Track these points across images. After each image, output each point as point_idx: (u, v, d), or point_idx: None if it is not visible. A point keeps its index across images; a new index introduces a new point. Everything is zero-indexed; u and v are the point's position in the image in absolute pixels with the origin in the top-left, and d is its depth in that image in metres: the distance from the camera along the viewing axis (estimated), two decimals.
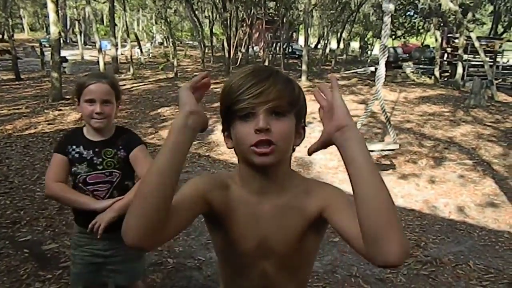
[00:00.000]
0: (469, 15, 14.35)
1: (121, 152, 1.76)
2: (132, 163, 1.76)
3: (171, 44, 18.11)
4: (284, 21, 19.75)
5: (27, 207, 3.94)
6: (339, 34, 23.25)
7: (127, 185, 1.79)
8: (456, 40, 15.52)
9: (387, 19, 4.71)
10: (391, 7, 4.66)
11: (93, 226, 1.65)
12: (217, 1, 18.74)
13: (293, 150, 0.95)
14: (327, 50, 22.73)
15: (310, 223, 0.94)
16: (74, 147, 1.74)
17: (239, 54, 19.78)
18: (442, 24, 17.70)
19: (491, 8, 24.81)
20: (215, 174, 0.98)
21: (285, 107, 0.88)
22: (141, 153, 1.78)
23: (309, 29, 17.28)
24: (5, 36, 26.49)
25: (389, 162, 5.57)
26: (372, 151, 5.10)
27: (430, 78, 15.85)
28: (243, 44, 20.95)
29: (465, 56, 14.61)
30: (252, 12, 19.42)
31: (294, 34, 30.70)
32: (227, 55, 16.85)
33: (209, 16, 24.74)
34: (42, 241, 3.31)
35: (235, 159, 4.19)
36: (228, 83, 0.91)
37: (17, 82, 13.13)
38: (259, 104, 0.85)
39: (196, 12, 21.49)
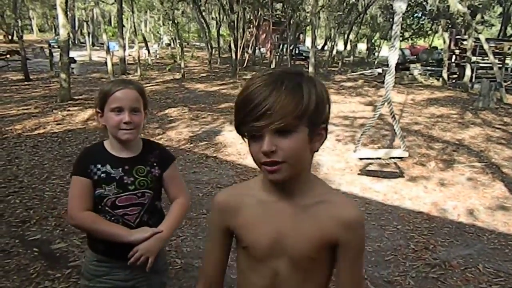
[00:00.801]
0: (478, 16, 14.24)
1: (155, 170, 1.56)
2: (165, 183, 1.60)
3: (178, 45, 18.19)
4: (291, 22, 19.75)
5: (36, 207, 3.97)
6: (346, 36, 23.25)
7: (156, 205, 1.60)
8: (465, 42, 15.42)
9: (398, 19, 4.55)
10: (403, 6, 4.50)
11: (136, 260, 1.45)
12: (224, 2, 18.80)
13: (314, 152, 0.94)
14: (334, 52, 22.70)
15: (326, 241, 0.94)
16: (99, 166, 1.49)
17: (246, 55, 19.81)
18: (450, 26, 17.59)
19: (500, 9, 24.63)
20: (229, 194, 1.06)
21: (291, 123, 0.84)
22: (176, 173, 1.65)
23: (316, 30, 17.27)
24: (15, 37, 26.79)
25: (397, 170, 5.40)
26: (379, 158, 4.97)
27: (438, 80, 15.77)
28: (250, 45, 20.99)
29: (474, 58, 14.52)
30: (259, 14, 19.45)
31: (301, 35, 30.70)
32: (234, 56, 16.88)
33: (216, 17, 24.85)
34: (51, 240, 3.33)
35: (242, 160, 4.25)
36: (238, 98, 0.88)
37: (26, 83, 13.25)
38: (263, 126, 0.83)
39: (203, 14, 21.59)
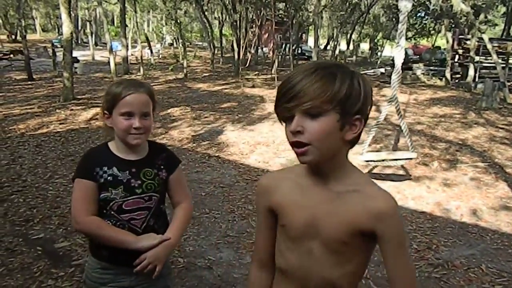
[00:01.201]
0: (481, 16, 14.21)
1: (163, 173, 1.53)
2: (170, 186, 1.57)
3: (181, 45, 18.23)
4: (294, 22, 19.73)
5: (40, 206, 3.98)
6: (348, 35, 23.22)
7: (161, 209, 1.57)
8: (468, 42, 15.37)
9: (403, 18, 4.53)
10: (408, 5, 4.49)
11: (143, 268, 1.41)
12: (227, 2, 18.80)
13: (351, 143, 0.96)
14: (337, 52, 22.67)
15: (357, 229, 0.96)
16: (105, 168, 1.45)
17: (249, 55, 19.81)
18: (453, 25, 17.53)
19: (503, 9, 24.53)
20: (270, 177, 1.15)
21: (320, 106, 0.89)
22: (181, 176, 1.63)
23: (318, 30, 17.24)
24: (18, 37, 26.88)
25: (404, 173, 5.33)
26: (386, 160, 4.86)
27: (441, 80, 15.73)
28: (253, 45, 20.97)
29: (477, 58, 14.46)
30: (261, 13, 19.44)
31: (304, 35, 30.65)
32: (236, 56, 16.88)
33: (218, 17, 24.88)
34: (54, 239, 3.35)
35: (244, 160, 4.27)
36: (283, 81, 0.95)
37: (29, 82, 13.32)
38: (293, 107, 0.90)
39: (206, 13, 21.59)
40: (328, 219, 0.97)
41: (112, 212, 1.45)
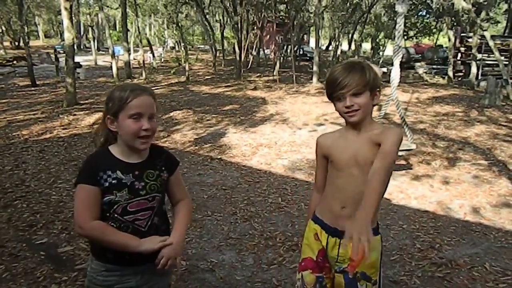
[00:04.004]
0: (483, 13, 14.13)
1: (164, 174, 1.58)
2: (171, 186, 1.63)
3: (182, 49, 18.29)
4: (295, 23, 19.73)
5: (43, 211, 4.01)
6: (350, 36, 23.18)
7: (163, 208, 1.62)
8: (470, 40, 15.31)
9: (400, 21, 4.78)
10: (404, 8, 4.76)
11: (164, 265, 1.46)
12: (228, 4, 18.84)
13: (374, 105, 1.56)
14: (339, 52, 22.64)
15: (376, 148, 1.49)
16: (109, 172, 1.46)
17: (250, 57, 19.84)
18: (455, 24, 17.47)
19: (505, 6, 24.40)
20: (324, 136, 1.76)
21: (361, 89, 1.49)
22: (180, 176, 1.68)
23: (320, 31, 17.23)
24: (21, 43, 27.07)
25: (404, 162, 5.57)
26: None
27: (444, 78, 15.68)
28: (254, 47, 21.00)
29: (479, 56, 14.40)
30: (262, 15, 19.44)
31: (305, 36, 30.64)
32: (238, 58, 16.91)
33: (220, 20, 24.94)
34: (57, 243, 3.36)
35: (246, 162, 4.30)
36: (329, 77, 1.54)
37: (32, 88, 13.40)
38: (345, 92, 1.50)
39: (207, 16, 21.65)
40: (362, 152, 1.54)
41: (116, 215, 1.47)
